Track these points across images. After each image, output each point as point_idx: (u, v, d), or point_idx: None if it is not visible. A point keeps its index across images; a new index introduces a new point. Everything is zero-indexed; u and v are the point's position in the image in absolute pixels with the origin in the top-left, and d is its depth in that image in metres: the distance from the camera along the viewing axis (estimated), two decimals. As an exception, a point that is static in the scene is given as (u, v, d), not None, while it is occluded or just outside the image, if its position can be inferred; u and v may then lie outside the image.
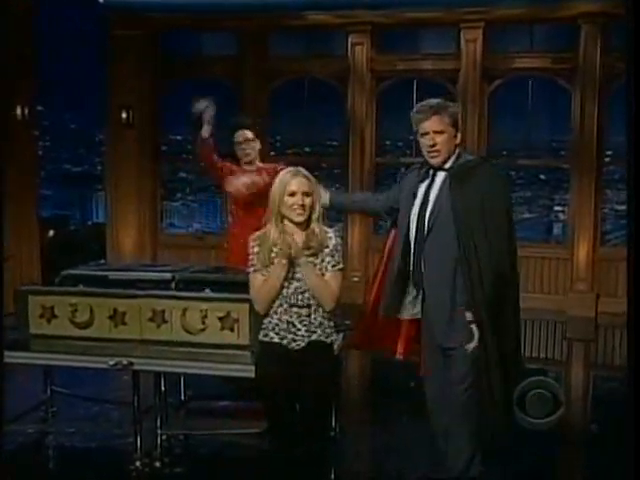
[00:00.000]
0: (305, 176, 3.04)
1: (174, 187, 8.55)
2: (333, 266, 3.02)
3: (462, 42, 7.37)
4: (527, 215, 7.98)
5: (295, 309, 2.98)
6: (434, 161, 3.14)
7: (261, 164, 4.77)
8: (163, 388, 3.88)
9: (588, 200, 7.19)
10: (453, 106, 3.20)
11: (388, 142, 7.91)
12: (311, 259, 2.99)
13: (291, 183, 3.02)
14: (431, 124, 3.11)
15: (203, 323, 3.52)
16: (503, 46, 7.42)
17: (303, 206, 2.99)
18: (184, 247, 7.77)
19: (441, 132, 3.11)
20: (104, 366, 3.50)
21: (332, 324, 3.05)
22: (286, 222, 3.06)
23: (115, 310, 3.60)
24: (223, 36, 8.09)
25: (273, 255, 3.01)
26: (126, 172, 7.99)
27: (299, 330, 2.98)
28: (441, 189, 3.13)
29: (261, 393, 3.08)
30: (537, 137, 7.54)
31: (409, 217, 3.18)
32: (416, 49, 7.67)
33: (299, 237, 3.04)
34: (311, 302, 2.98)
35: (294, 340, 2.98)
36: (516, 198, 8.02)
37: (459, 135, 3.18)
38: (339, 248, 3.05)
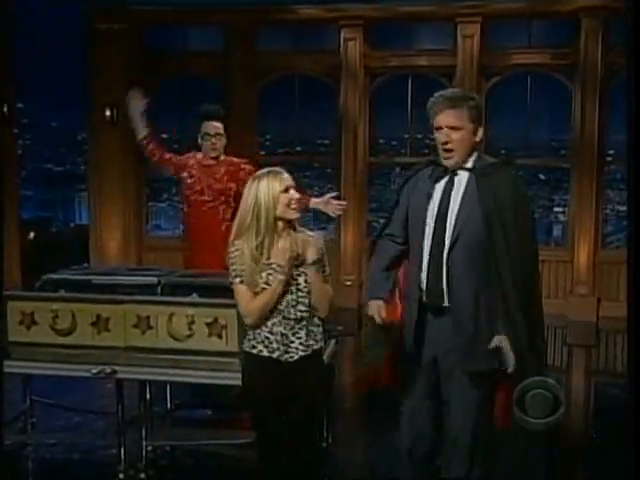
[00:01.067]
0: (285, 172, 2.96)
1: (160, 187, 8.55)
2: (324, 272, 2.99)
3: (459, 37, 7.39)
4: (526, 216, 8.03)
5: (290, 322, 2.94)
6: (447, 162, 2.93)
7: (225, 157, 4.64)
8: (148, 397, 3.87)
9: (589, 201, 7.21)
10: (475, 99, 2.96)
11: (382, 141, 7.94)
12: (302, 269, 2.94)
13: (282, 179, 2.91)
14: (446, 118, 2.89)
15: (190, 329, 3.50)
16: (501, 42, 7.45)
17: (298, 200, 2.94)
18: (170, 250, 7.74)
19: (457, 128, 2.89)
20: (87, 374, 3.49)
21: (321, 329, 3.03)
22: (279, 226, 2.96)
23: (98, 316, 3.58)
24: (209, 30, 8.09)
25: (269, 270, 2.92)
26: (110, 172, 7.97)
27: (292, 342, 2.93)
28: (466, 191, 2.92)
29: (248, 402, 3.05)
30: (536, 136, 7.58)
31: (424, 222, 2.96)
32: (411, 44, 7.69)
33: (287, 243, 2.96)
34: (305, 315, 2.95)
35: (287, 352, 2.93)
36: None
37: (480, 133, 2.95)
38: (325, 253, 3.01)
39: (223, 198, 4.54)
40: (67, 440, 4.08)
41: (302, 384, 2.94)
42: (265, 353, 2.92)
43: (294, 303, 2.91)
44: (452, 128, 2.90)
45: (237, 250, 2.92)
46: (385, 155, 7.90)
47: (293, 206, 2.91)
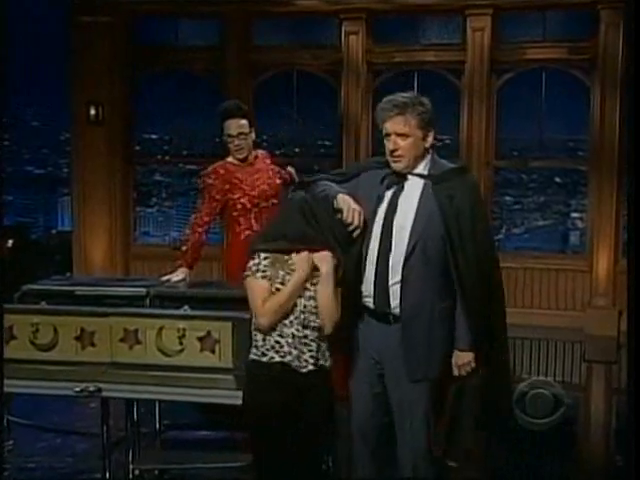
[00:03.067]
0: None
1: (149, 191, 8.54)
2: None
3: (468, 31, 7.41)
4: (540, 222, 8.01)
5: (305, 331, 2.94)
6: (395, 166, 3.06)
7: (258, 154, 4.56)
8: (135, 417, 3.86)
9: (609, 205, 7.21)
10: (424, 105, 3.07)
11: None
12: (316, 279, 2.96)
13: None
14: (393, 125, 3.02)
15: (181, 344, 3.49)
16: (513, 35, 7.46)
17: None
18: (160, 258, 7.72)
19: (405, 135, 3.02)
20: (69, 393, 3.48)
21: (327, 344, 3.02)
22: None
23: (82, 330, 3.58)
24: (202, 24, 8.10)
25: (287, 270, 2.95)
26: (95, 175, 7.97)
27: (303, 353, 2.94)
28: (422, 199, 3.03)
29: (249, 422, 3.03)
30: (551, 136, 7.58)
31: (371, 231, 3.06)
32: (417, 39, 7.71)
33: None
34: (315, 325, 2.95)
35: (299, 359, 2.94)
36: (528, 204, 8.05)
37: (430, 138, 3.08)
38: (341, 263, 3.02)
39: (265, 198, 4.44)
40: (47, 464, 4.06)
41: (310, 401, 2.94)
42: (277, 358, 2.93)
43: (313, 310, 2.92)
44: (400, 135, 3.02)
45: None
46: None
47: None
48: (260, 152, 4.63)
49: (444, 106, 7.84)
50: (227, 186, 4.40)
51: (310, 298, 2.94)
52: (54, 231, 12.58)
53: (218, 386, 3.40)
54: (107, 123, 7.95)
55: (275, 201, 4.45)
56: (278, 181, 4.53)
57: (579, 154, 7.61)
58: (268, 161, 4.59)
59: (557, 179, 7.81)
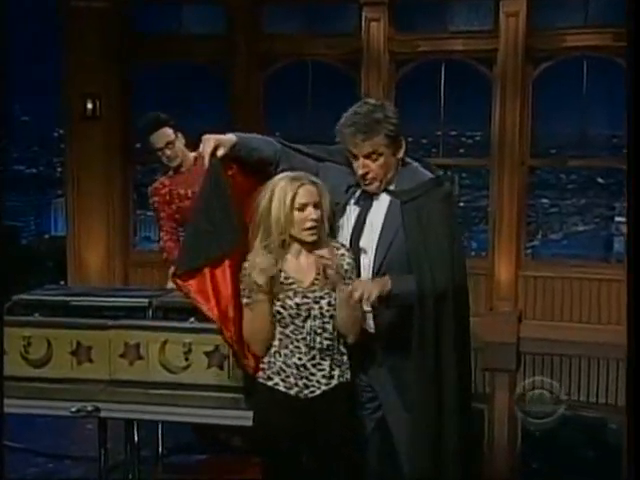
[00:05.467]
0: (311, 181, 2.96)
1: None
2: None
3: (501, 16, 7.39)
4: (580, 227, 7.98)
5: (313, 352, 2.94)
6: (368, 188, 3.04)
7: (194, 157, 4.57)
8: (136, 439, 3.86)
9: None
10: (391, 119, 3.00)
11: (410, 139, 7.90)
12: (327, 290, 2.94)
13: (299, 194, 2.92)
14: (361, 150, 2.98)
15: (186, 359, 3.50)
16: (551, 20, 7.43)
17: (316, 221, 2.92)
18: (162, 266, 7.74)
19: (375, 155, 2.98)
20: (64, 413, 3.49)
21: (346, 359, 3.02)
22: (294, 245, 2.98)
23: (78, 344, 3.58)
24: (208, 10, 8.13)
25: (288, 292, 2.95)
26: (91, 174, 8.01)
27: (313, 375, 2.93)
28: (388, 217, 3.03)
29: (259, 444, 3.05)
30: (593, 132, 7.55)
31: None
32: (444, 26, 7.70)
33: (306, 262, 2.98)
34: (330, 343, 2.95)
35: (307, 387, 2.93)
36: (567, 207, 8.03)
37: (402, 149, 3.05)
38: (354, 266, 3.01)
39: None
40: (40, 490, 4.08)
41: (325, 423, 2.93)
42: (282, 388, 2.94)
43: (319, 330, 2.91)
44: (368, 157, 2.98)
45: (248, 266, 2.95)
46: (413, 155, 7.90)
47: (311, 229, 2.91)
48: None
49: (474, 99, 7.85)
50: (171, 198, 4.56)
51: (319, 316, 2.93)
52: (46, 236, 12.68)
53: (226, 406, 3.40)
54: (104, 118, 7.99)
55: None
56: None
57: (624, 152, 7.57)
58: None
59: (599, 179, 7.78)
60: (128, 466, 3.79)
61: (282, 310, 2.92)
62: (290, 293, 2.92)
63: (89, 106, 7.88)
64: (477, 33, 7.56)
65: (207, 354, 3.47)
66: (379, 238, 3.02)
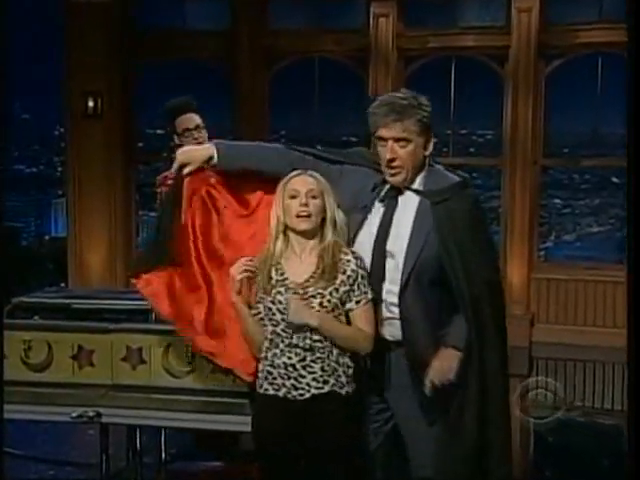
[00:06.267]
0: (311, 175, 3.01)
1: (152, 193, 8.54)
2: (358, 302, 2.98)
3: (513, 11, 7.37)
4: (595, 229, 7.96)
5: (297, 350, 2.94)
6: (393, 180, 3.01)
7: None
8: (138, 446, 3.86)
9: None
10: (425, 107, 3.01)
11: (419, 137, 7.93)
12: (320, 290, 2.94)
13: (292, 182, 2.99)
14: (391, 132, 2.97)
15: (190, 364, 3.51)
16: (565, 15, 7.40)
17: (306, 205, 2.94)
18: (165, 268, 7.78)
19: (405, 141, 2.97)
20: (65, 419, 3.49)
21: (351, 370, 3.00)
22: (292, 239, 3.02)
23: (80, 348, 3.60)
24: (211, 5, 8.13)
25: (279, 289, 2.97)
26: (92, 174, 8.01)
27: (303, 377, 2.93)
28: (417, 219, 3.01)
29: (256, 452, 3.06)
30: (607, 130, 7.52)
31: (352, 240, 3.05)
32: (454, 21, 7.68)
33: (306, 260, 3.00)
34: (319, 344, 2.94)
35: (295, 388, 2.94)
36: (580, 207, 8.00)
37: (430, 145, 3.04)
38: (363, 275, 3.00)
39: None
40: (40, 498, 4.08)
41: (317, 427, 2.93)
42: (270, 391, 2.95)
43: (298, 327, 2.91)
44: (399, 141, 2.97)
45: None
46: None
47: (302, 213, 2.94)
48: None
49: (485, 97, 7.83)
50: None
51: None
52: (47, 237, 12.68)
53: (231, 411, 3.41)
54: (106, 116, 7.99)
55: None
56: None
57: None
58: None
59: (614, 179, 7.76)
60: (130, 473, 3.80)
61: (272, 306, 2.94)
62: (282, 289, 2.94)
63: (90, 104, 7.88)
64: (488, 29, 7.54)
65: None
66: (409, 241, 2.99)
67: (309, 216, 2.95)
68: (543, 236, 7.87)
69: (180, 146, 4.58)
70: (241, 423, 3.36)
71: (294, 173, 3.00)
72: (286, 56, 7.96)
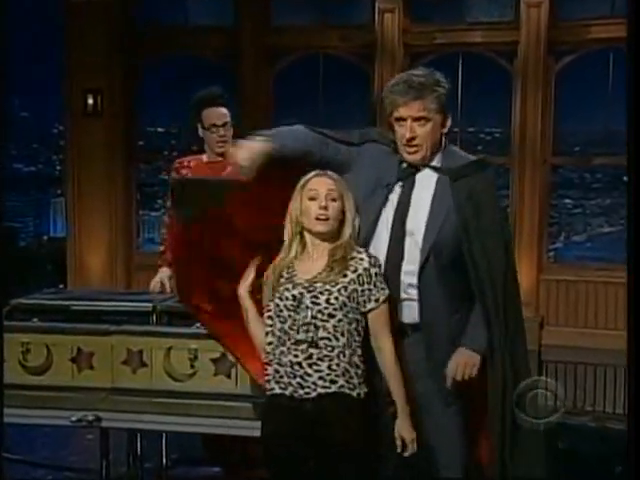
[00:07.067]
0: (330, 176, 3.01)
1: (154, 193, 8.58)
2: (377, 300, 2.97)
3: (522, 7, 7.36)
4: (606, 229, 7.94)
5: (303, 347, 2.94)
6: (412, 158, 3.03)
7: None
8: (139, 450, 3.86)
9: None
10: (442, 84, 3.05)
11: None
12: (328, 287, 2.94)
13: (312, 182, 2.99)
14: (410, 110, 2.99)
15: (192, 367, 3.51)
16: (575, 11, 7.39)
17: (326, 208, 2.95)
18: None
19: (424, 120, 2.99)
20: (64, 423, 3.49)
21: (360, 371, 3.00)
22: (308, 240, 3.03)
23: (79, 350, 3.60)
24: (214, 1, 8.14)
25: (286, 285, 2.98)
26: (92, 173, 8.02)
27: (309, 376, 2.92)
28: (436, 197, 3.03)
29: (265, 455, 3.06)
30: (619, 128, 7.49)
31: (376, 217, 3.06)
32: (461, 17, 7.68)
33: (317, 257, 3.01)
34: (329, 343, 2.94)
35: (301, 387, 2.93)
36: (591, 207, 7.98)
37: (448, 123, 3.07)
38: (377, 273, 2.99)
39: None
40: (39, 504, 4.08)
41: (324, 427, 2.92)
42: (277, 391, 2.96)
43: (312, 322, 2.90)
44: (417, 120, 2.98)
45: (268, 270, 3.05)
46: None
47: (321, 216, 2.94)
48: None
49: (493, 94, 7.82)
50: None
51: (309, 309, 2.92)
52: (46, 237, 12.70)
53: (234, 415, 3.40)
54: (106, 114, 8.00)
55: None
56: None
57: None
58: None
59: (626, 178, 7.74)
60: (131, 478, 3.79)
61: (279, 302, 2.95)
62: (290, 285, 2.96)
63: (90, 102, 7.89)
64: (497, 24, 7.53)
65: (214, 361, 3.48)
66: (428, 218, 3.02)
67: (328, 219, 2.96)
68: (553, 236, 7.86)
69: (202, 140, 4.59)
70: (244, 427, 3.36)
71: (313, 173, 3.00)
72: (290, 52, 7.96)
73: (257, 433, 3.10)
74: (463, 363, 3.02)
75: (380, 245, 3.07)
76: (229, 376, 3.46)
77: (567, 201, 8.06)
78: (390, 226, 3.06)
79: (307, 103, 8.01)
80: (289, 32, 7.90)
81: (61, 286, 7.76)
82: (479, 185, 3.04)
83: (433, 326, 3.04)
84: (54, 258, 8.98)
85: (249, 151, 2.99)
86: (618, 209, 7.68)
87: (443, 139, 3.09)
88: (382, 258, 3.04)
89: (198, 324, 3.57)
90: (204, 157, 4.64)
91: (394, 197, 3.07)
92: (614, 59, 7.32)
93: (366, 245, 3.06)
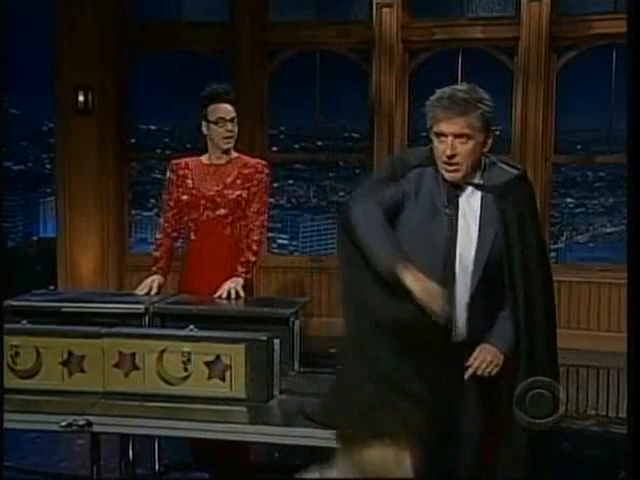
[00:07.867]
0: None
1: (146, 192, 8.58)
2: None
3: (523, 1, 7.37)
4: (609, 229, 7.94)
5: None
6: (451, 176, 3.03)
7: (236, 155, 4.65)
8: (131, 456, 3.85)
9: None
10: (486, 102, 3.04)
11: (424, 134, 7.89)
12: None
13: None
14: (453, 127, 2.99)
15: (185, 370, 3.50)
16: (578, 6, 7.39)
17: None
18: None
19: (466, 137, 2.99)
20: (54, 427, 3.48)
21: None
22: None
23: (70, 353, 3.59)
24: (210, -5, 8.15)
25: None
26: (83, 172, 8.01)
27: None
28: (483, 217, 3.03)
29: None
30: (622, 126, 7.50)
31: (427, 242, 3.04)
32: (461, 12, 7.69)
33: None
34: None
35: None
36: (594, 207, 7.98)
37: (490, 141, 3.07)
38: None
39: (233, 210, 4.53)
40: (28, 511, 4.07)
41: None
42: None
43: None
44: (459, 137, 2.97)
45: None
46: (429, 151, 7.90)
47: None
48: (251, 160, 4.68)
49: (494, 91, 7.75)
50: (182, 183, 4.58)
51: None
52: (35, 238, 12.68)
53: (229, 419, 3.40)
54: (98, 111, 7.99)
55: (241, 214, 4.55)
56: (244, 192, 4.56)
57: (655, 148, 7.54)
58: (249, 168, 4.61)
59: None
60: (123, 484, 3.79)
61: None
62: None
63: (81, 99, 7.87)
64: (497, 20, 7.54)
65: (208, 364, 3.48)
66: (478, 243, 3.01)
67: None
68: (555, 237, 7.86)
69: (201, 139, 4.64)
70: (239, 432, 3.36)
71: None
72: (287, 49, 7.97)
73: (251, 438, 3.10)
74: (488, 360, 3.05)
75: (434, 271, 3.02)
76: (223, 379, 3.46)
77: (569, 200, 8.06)
78: (442, 255, 3.04)
79: (304, 99, 8.00)
80: (286, 28, 7.90)
81: (51, 287, 7.75)
82: (523, 199, 3.05)
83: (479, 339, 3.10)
84: (44, 259, 8.97)
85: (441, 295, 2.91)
86: (621, 208, 7.69)
87: (483, 158, 3.08)
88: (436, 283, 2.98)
89: (192, 326, 3.58)
90: (204, 158, 4.65)
91: (444, 223, 3.05)
92: (617, 55, 7.32)
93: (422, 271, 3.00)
